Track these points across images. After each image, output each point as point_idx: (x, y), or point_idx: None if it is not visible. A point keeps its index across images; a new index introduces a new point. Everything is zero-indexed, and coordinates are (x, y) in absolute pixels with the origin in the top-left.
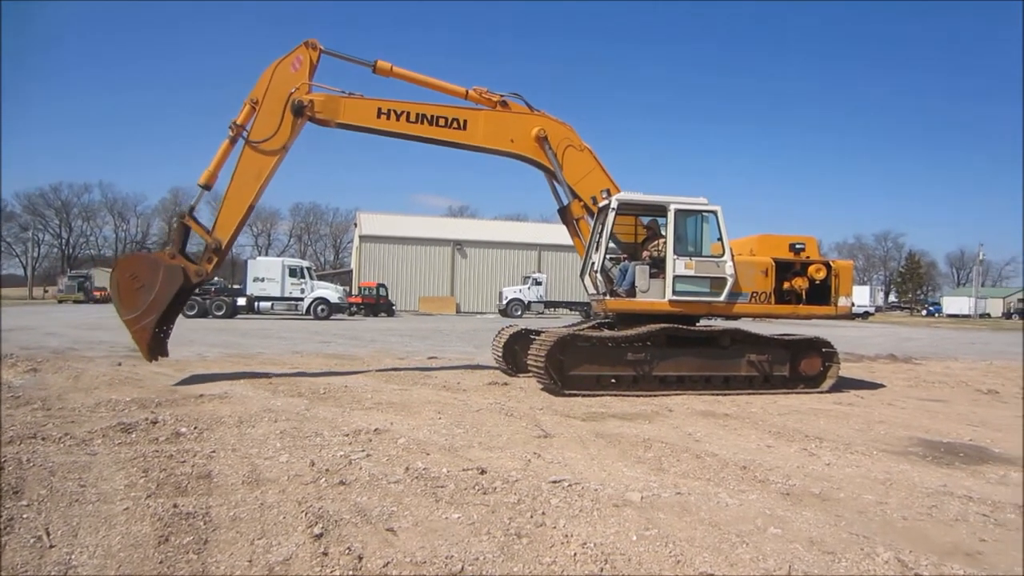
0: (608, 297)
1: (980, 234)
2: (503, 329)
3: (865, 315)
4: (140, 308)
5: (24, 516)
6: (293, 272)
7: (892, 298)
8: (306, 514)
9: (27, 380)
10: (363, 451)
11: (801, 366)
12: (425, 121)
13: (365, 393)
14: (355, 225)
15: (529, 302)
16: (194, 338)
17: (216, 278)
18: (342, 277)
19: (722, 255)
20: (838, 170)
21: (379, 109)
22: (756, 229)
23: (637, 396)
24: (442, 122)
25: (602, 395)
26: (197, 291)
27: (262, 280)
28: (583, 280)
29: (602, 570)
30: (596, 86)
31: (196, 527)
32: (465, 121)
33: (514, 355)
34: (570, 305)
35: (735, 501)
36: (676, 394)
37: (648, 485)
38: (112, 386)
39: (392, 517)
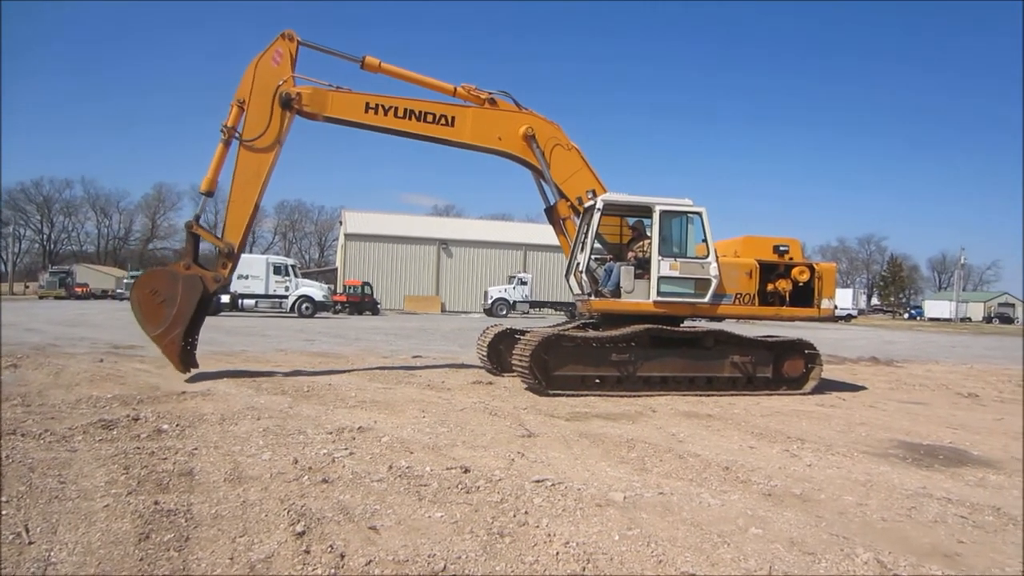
0: (593, 297)
1: (962, 238)
2: (488, 328)
3: (848, 318)
4: (165, 322)
5: (3, 513)
6: (278, 270)
7: (875, 301)
8: (288, 512)
9: (7, 376)
10: (346, 449)
11: (784, 368)
12: (413, 117)
13: (349, 391)
14: (340, 223)
15: (514, 302)
16: None
17: None
18: (327, 275)
19: (707, 256)
20: (822, 172)
21: (367, 104)
22: (740, 231)
23: (621, 396)
24: (430, 118)
25: (586, 395)
26: None
27: (246, 277)
28: (568, 280)
29: (584, 569)
30: (591, 87)
31: (177, 524)
32: (453, 118)
33: (499, 354)
34: (555, 305)
35: (717, 501)
36: (660, 395)
37: (631, 485)
38: (93, 383)
39: (375, 515)
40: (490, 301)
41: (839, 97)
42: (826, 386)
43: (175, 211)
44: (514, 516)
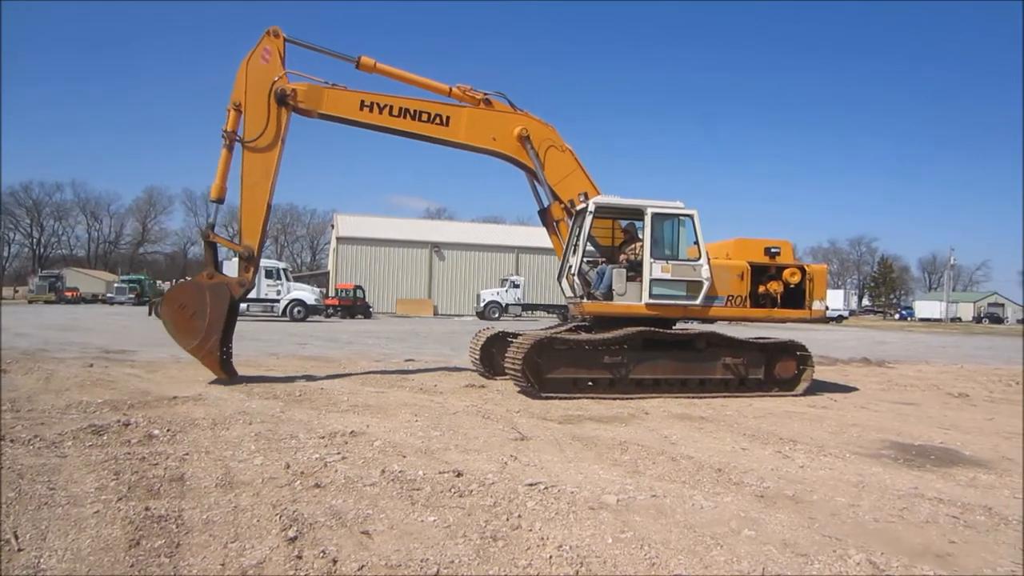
0: (585, 300)
1: (951, 239)
2: (480, 331)
3: (839, 319)
4: (200, 334)
5: None
6: (269, 273)
7: (866, 302)
8: (280, 517)
9: None
10: (339, 454)
11: (776, 369)
12: (408, 116)
13: (341, 395)
14: (332, 226)
15: (507, 305)
16: (167, 339)
17: (189, 279)
18: (319, 279)
19: (698, 259)
20: (814, 174)
21: (362, 101)
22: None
23: (614, 399)
24: (425, 117)
25: (579, 398)
26: None
27: None
28: (560, 283)
29: (577, 572)
30: (584, 90)
31: (168, 530)
32: (448, 117)
33: (491, 358)
34: (548, 308)
35: (710, 503)
36: (652, 397)
37: (624, 488)
38: (83, 388)
39: (367, 520)
40: (482, 304)
41: (830, 98)
42: (818, 387)
43: (166, 215)
44: (507, 520)
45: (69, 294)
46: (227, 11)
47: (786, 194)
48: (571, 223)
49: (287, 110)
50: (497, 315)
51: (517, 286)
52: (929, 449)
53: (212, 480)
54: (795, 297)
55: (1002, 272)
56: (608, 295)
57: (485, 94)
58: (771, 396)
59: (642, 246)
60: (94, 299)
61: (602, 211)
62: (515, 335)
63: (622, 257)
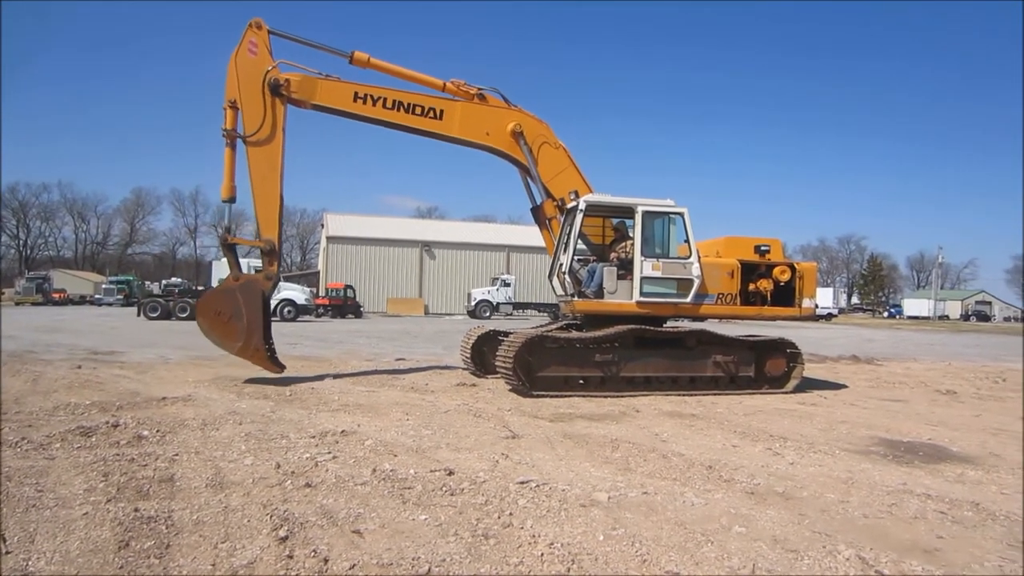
0: (576, 298)
1: (940, 237)
2: (471, 330)
3: (828, 317)
4: (242, 335)
5: None
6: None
7: (855, 300)
8: (271, 517)
9: None
10: (330, 453)
11: (766, 367)
12: (401, 108)
13: (332, 395)
14: (322, 226)
15: (498, 303)
16: (157, 340)
17: (178, 279)
18: (309, 278)
19: (689, 257)
20: (804, 172)
21: (355, 93)
22: (722, 231)
23: (605, 397)
24: (418, 110)
25: (570, 396)
26: (160, 294)
27: None
28: (552, 281)
29: (569, 570)
30: (576, 89)
31: (158, 531)
32: (442, 111)
33: (482, 356)
34: (539, 306)
35: (701, 500)
36: (643, 395)
37: (615, 485)
38: (71, 389)
39: (359, 519)
40: (473, 303)
41: (820, 97)
42: (808, 384)
43: (154, 215)
44: (499, 518)
45: (56, 296)
46: (223, 10)
47: (776, 193)
48: (562, 221)
49: (282, 101)
50: (488, 314)
51: (508, 285)
52: (917, 446)
53: (202, 481)
54: (785, 295)
55: (989, 271)
56: (599, 293)
57: (479, 89)
58: (761, 393)
59: (633, 244)
60: (82, 300)
61: (593, 209)
62: (506, 333)
63: (613, 255)
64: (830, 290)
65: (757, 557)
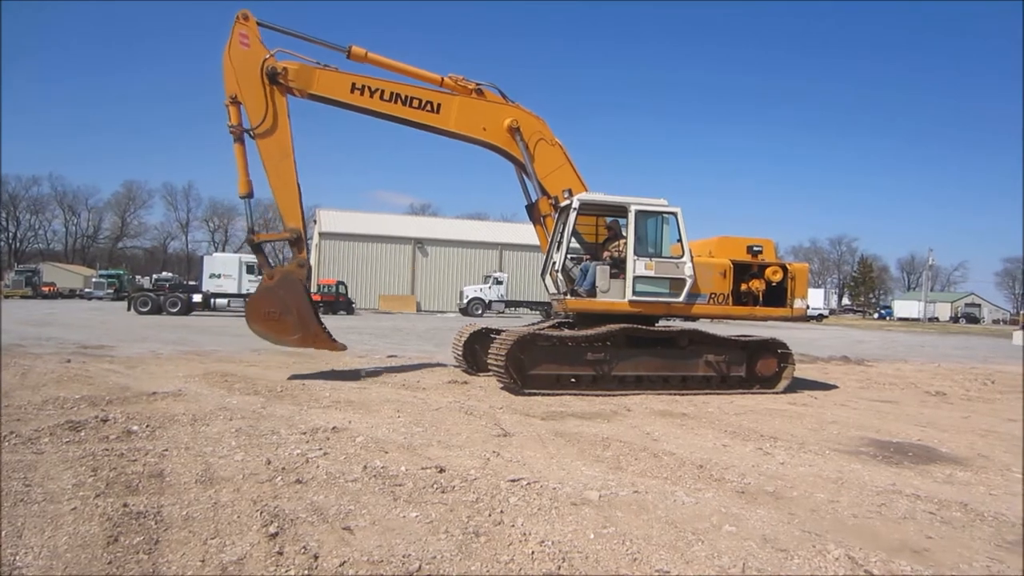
0: (569, 297)
1: (930, 239)
2: (464, 328)
3: (819, 318)
4: (298, 327)
5: None
6: (251, 269)
7: (845, 301)
8: (261, 513)
9: None
10: (320, 449)
11: (757, 367)
12: (399, 101)
13: (323, 391)
14: (314, 222)
15: (490, 301)
16: (147, 335)
17: (169, 274)
18: None
19: (681, 256)
20: (795, 173)
21: (353, 84)
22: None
23: (596, 395)
24: (416, 103)
25: (562, 394)
26: (151, 288)
27: (219, 276)
28: (544, 279)
29: (559, 568)
30: (571, 89)
31: (147, 527)
32: (439, 105)
33: (474, 354)
34: (531, 304)
35: (692, 499)
36: (635, 394)
37: (606, 484)
38: (61, 383)
39: (349, 516)
40: (466, 300)
41: (812, 97)
42: (798, 385)
43: (146, 209)
44: (489, 515)
45: (46, 289)
46: (218, 7)
47: (769, 193)
48: (555, 219)
49: (281, 91)
50: (480, 311)
51: (500, 282)
52: (907, 446)
53: (192, 476)
54: (777, 295)
55: (979, 273)
56: (591, 292)
57: (477, 84)
58: (752, 393)
59: (626, 243)
60: (72, 294)
61: (586, 208)
62: (498, 331)
63: (606, 254)
64: (821, 291)
65: (747, 556)
